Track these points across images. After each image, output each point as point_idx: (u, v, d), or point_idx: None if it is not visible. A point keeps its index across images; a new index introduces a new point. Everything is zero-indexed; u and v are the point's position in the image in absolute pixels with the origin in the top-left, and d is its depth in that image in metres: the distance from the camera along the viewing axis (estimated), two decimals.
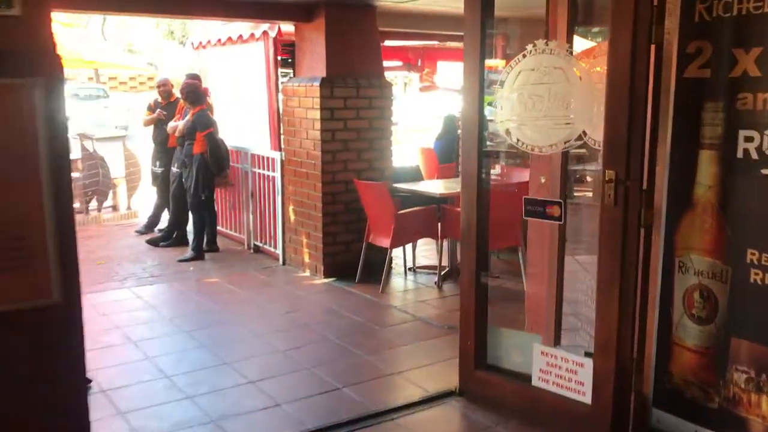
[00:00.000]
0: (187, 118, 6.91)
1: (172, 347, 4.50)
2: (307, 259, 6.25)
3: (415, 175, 6.91)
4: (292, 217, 6.39)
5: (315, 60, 6.03)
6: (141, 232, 7.98)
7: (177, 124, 7.07)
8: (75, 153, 9.56)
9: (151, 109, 7.85)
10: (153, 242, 7.41)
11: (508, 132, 3.36)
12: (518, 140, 3.33)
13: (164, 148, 7.58)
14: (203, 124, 6.78)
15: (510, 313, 4.46)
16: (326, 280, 5.99)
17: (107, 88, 23.89)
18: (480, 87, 3.46)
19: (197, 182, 6.80)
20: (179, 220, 7.37)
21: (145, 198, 8.95)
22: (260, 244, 7.07)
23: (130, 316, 5.12)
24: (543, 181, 3.44)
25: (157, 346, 4.50)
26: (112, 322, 4.93)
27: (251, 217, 7.16)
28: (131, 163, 9.69)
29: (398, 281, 6.09)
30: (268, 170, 6.76)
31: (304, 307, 5.34)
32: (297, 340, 4.62)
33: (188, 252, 6.87)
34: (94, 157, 9.08)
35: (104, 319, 5.02)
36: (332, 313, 5.16)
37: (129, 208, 9.76)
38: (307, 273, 6.23)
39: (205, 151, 6.77)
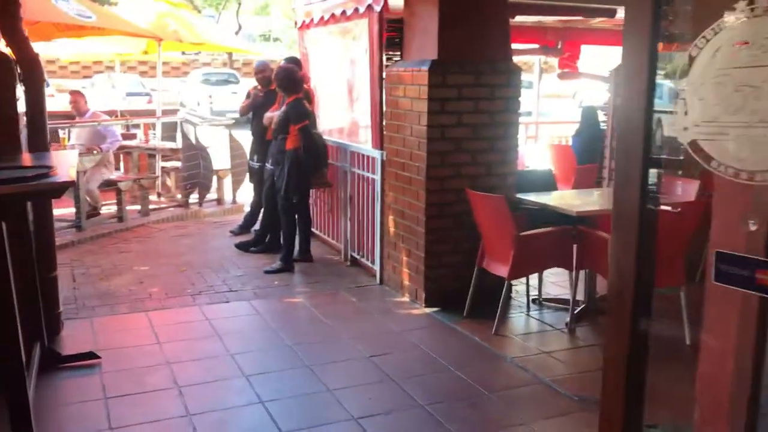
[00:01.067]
0: (282, 108, 6.03)
1: (222, 401, 3.58)
2: (406, 281, 5.16)
3: (547, 182, 5.55)
4: (392, 230, 5.33)
5: (425, 39, 4.90)
6: (235, 233, 7.27)
7: (273, 115, 6.23)
8: (177, 142, 9.09)
9: (250, 97, 7.12)
10: (243, 247, 6.64)
11: (694, 144, 2.08)
12: (712, 159, 2.04)
13: (262, 141, 6.76)
14: (297, 115, 5.87)
15: (668, 379, 3.11)
16: (427, 311, 4.88)
17: (239, 73, 24.06)
18: (649, 75, 2.20)
19: (289, 182, 5.90)
20: (272, 222, 6.53)
21: (249, 193, 8.23)
22: (357, 256, 6.08)
23: (188, 347, 4.29)
24: (754, 228, 2.12)
25: (204, 397, 3.60)
26: (164, 356, 4.11)
27: (349, 224, 6.18)
28: (237, 155, 9.07)
29: (518, 318, 4.85)
30: (368, 171, 5.73)
31: (395, 349, 4.26)
32: (378, 401, 3.56)
33: (276, 262, 6.01)
34: (195, 147, 8.51)
35: (156, 349, 4.22)
36: (429, 363, 4.05)
37: (234, 201, 9.18)
38: (406, 298, 5.15)
39: (299, 147, 5.86)
